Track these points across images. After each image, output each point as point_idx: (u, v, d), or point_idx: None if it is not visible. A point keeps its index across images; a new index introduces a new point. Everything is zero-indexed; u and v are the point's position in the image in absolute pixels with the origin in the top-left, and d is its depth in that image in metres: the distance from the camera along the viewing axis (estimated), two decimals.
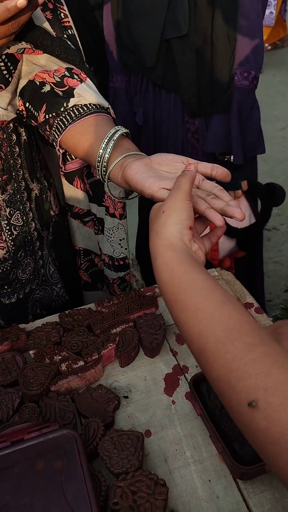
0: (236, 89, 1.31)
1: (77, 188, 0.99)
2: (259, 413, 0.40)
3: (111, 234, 0.98)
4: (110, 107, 0.81)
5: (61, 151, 0.81)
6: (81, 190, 0.99)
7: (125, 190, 0.81)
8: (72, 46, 0.82)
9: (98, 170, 0.72)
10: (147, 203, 1.74)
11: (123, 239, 0.99)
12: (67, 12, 0.84)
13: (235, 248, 1.57)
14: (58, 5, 0.83)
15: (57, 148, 0.80)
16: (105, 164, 0.70)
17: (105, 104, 0.80)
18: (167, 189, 0.62)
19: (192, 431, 0.70)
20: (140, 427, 0.71)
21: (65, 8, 0.84)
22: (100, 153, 0.70)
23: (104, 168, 0.71)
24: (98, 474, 0.63)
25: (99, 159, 0.71)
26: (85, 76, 0.81)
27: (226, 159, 1.39)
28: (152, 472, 0.62)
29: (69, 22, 0.85)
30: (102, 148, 0.70)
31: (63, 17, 0.83)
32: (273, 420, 0.39)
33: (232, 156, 1.37)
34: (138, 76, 1.41)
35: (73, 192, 1.00)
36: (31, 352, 0.80)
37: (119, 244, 0.99)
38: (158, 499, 0.59)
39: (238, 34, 1.24)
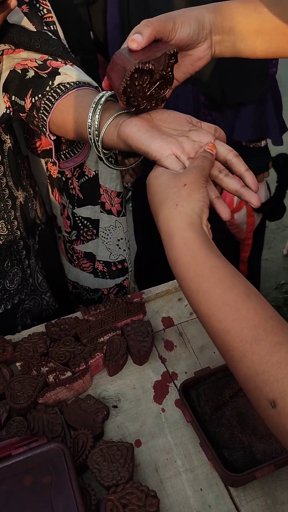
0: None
1: (55, 199, 0.97)
2: (285, 417, 0.41)
3: (107, 235, 0.92)
4: (99, 87, 0.77)
5: (52, 138, 0.76)
6: (58, 202, 0.96)
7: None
8: (54, 37, 0.80)
9: (91, 138, 0.67)
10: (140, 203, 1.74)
11: (122, 239, 0.93)
12: (50, 8, 0.83)
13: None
14: (41, 0, 0.82)
15: (47, 133, 0.76)
16: (96, 131, 0.65)
17: (94, 83, 0.77)
18: (177, 157, 0.57)
19: (183, 439, 0.69)
20: (130, 437, 0.70)
21: (48, 4, 0.83)
22: (89, 121, 0.65)
23: (97, 132, 0.65)
24: (88, 487, 0.62)
25: (89, 124, 0.65)
26: (71, 63, 0.79)
27: (256, 145, 1.43)
28: (143, 483, 0.62)
29: (52, 17, 0.83)
30: (91, 114, 0.65)
31: (45, 12, 0.82)
32: None
33: (261, 143, 1.43)
34: None
35: (54, 203, 0.98)
36: (17, 364, 0.78)
37: (117, 245, 0.93)
38: (149, 511, 0.58)
39: None
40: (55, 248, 1.05)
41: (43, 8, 0.81)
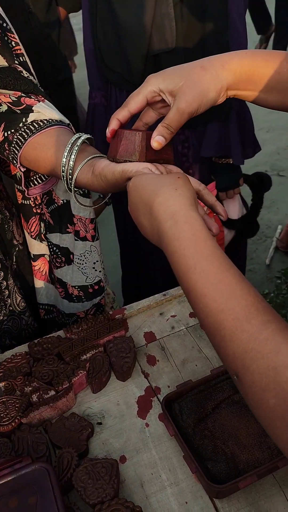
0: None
1: (21, 224, 0.97)
2: (269, 392, 0.43)
3: (83, 260, 0.95)
4: (71, 124, 0.81)
5: (22, 170, 0.79)
6: (23, 228, 0.97)
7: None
8: (24, 73, 0.83)
9: (63, 176, 0.71)
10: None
11: (97, 261, 0.96)
12: (18, 41, 0.85)
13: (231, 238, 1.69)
14: (9, 34, 0.84)
15: (17, 165, 0.78)
16: (70, 170, 0.70)
17: (66, 120, 0.80)
18: (152, 170, 0.63)
19: (167, 453, 0.70)
20: (115, 453, 0.71)
21: (16, 36, 0.85)
22: (64, 160, 0.70)
23: (70, 175, 0.70)
24: (73, 506, 0.62)
25: (64, 163, 0.70)
26: (43, 98, 0.82)
27: (225, 162, 1.46)
28: (129, 499, 0.62)
29: (20, 49, 0.85)
30: (66, 153, 0.70)
31: (14, 45, 0.84)
32: (280, 397, 0.42)
33: (231, 159, 1.45)
34: (123, 91, 1.44)
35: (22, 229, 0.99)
36: (1, 384, 0.78)
37: (93, 268, 0.96)
38: None
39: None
40: (31, 268, 1.05)
41: (11, 41, 0.83)
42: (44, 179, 0.86)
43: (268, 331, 0.44)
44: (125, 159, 0.65)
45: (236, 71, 0.63)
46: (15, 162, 0.79)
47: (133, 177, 0.62)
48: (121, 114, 0.66)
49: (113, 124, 0.67)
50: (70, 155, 0.69)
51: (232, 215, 1.59)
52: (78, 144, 0.70)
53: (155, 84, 0.63)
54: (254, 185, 1.63)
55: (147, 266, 1.75)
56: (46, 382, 0.78)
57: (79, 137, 0.71)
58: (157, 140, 0.64)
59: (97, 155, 0.70)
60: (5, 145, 0.79)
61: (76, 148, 0.69)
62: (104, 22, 1.34)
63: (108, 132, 0.67)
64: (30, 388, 0.78)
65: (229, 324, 0.46)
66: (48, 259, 1.00)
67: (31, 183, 0.87)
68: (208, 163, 1.50)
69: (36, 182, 0.87)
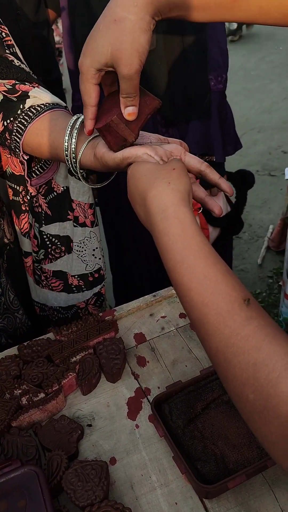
0: (212, 93, 1.38)
1: (14, 223, 0.97)
2: (248, 387, 0.43)
3: (82, 247, 0.94)
4: (67, 106, 0.81)
5: (25, 158, 0.80)
6: (15, 225, 0.97)
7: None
8: (15, 62, 0.82)
9: (68, 160, 0.72)
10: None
11: (97, 248, 0.95)
12: (7, 32, 0.85)
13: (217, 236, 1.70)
14: None
15: (21, 154, 0.79)
16: (73, 150, 0.70)
17: (62, 103, 0.80)
18: (151, 155, 0.63)
19: (157, 454, 0.70)
20: (104, 455, 0.71)
21: (6, 28, 0.85)
22: (66, 142, 0.70)
23: (74, 155, 0.71)
24: (63, 509, 0.62)
25: (66, 147, 0.71)
26: (37, 84, 0.82)
27: (207, 159, 1.47)
28: (119, 501, 0.62)
29: (11, 41, 0.85)
30: (67, 136, 0.70)
31: (4, 36, 0.84)
32: (259, 393, 0.43)
33: (214, 157, 1.47)
34: None
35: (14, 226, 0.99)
36: None
37: (93, 255, 0.96)
38: None
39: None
40: (22, 266, 1.05)
41: (1, 31, 0.83)
42: (45, 168, 0.87)
43: (250, 327, 0.45)
44: (121, 146, 0.65)
45: (153, 2, 0.57)
46: (17, 150, 0.79)
47: (132, 165, 0.63)
48: (89, 113, 0.66)
49: (88, 126, 0.67)
50: (71, 139, 0.70)
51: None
52: (77, 126, 0.70)
53: (89, 67, 0.62)
54: (237, 183, 1.64)
55: (133, 268, 1.75)
56: (35, 384, 0.78)
57: (77, 119, 0.71)
58: (129, 112, 0.63)
59: (95, 135, 0.70)
60: (6, 135, 0.79)
61: (76, 131, 0.70)
62: (82, 21, 1.33)
63: (86, 134, 0.68)
64: (19, 391, 0.77)
65: (212, 318, 0.47)
66: (33, 259, 0.99)
67: (32, 174, 0.87)
68: None
69: (38, 172, 0.87)
